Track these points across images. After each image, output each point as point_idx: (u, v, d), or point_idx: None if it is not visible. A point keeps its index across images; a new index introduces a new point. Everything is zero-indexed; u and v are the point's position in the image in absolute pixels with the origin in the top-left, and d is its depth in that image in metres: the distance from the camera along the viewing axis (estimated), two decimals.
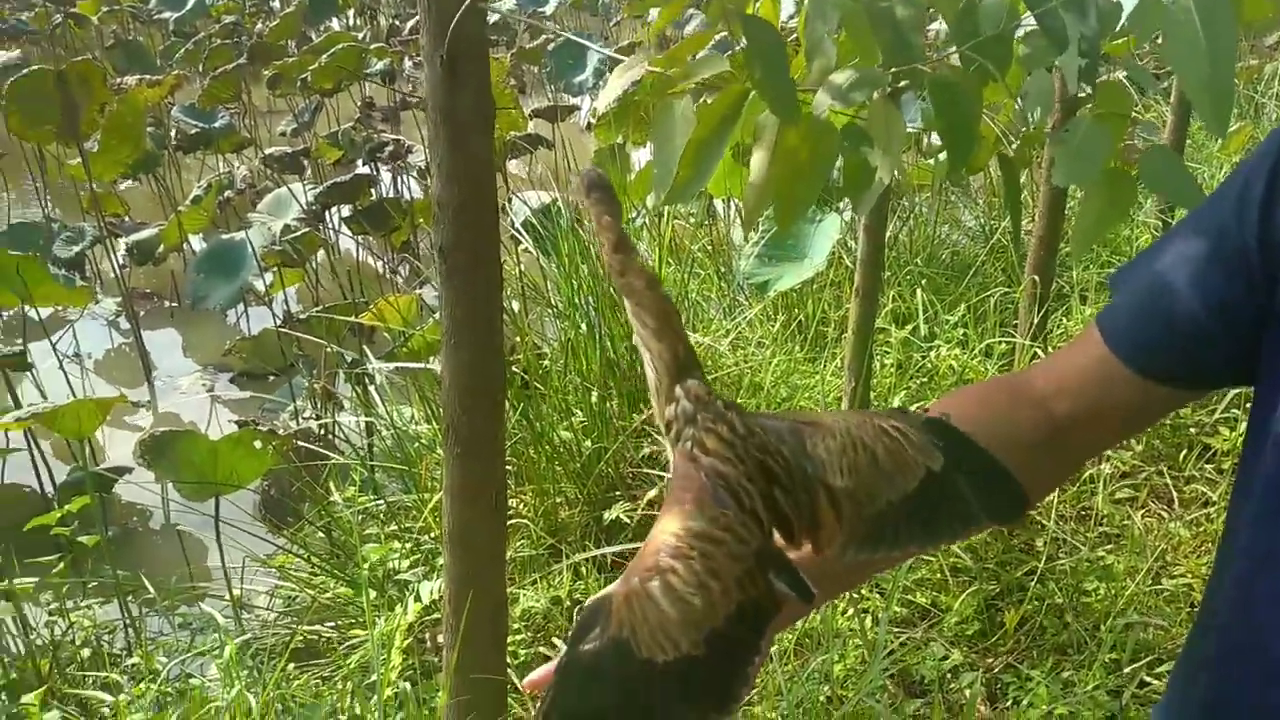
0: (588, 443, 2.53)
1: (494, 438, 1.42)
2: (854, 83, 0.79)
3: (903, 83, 0.83)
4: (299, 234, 3.54)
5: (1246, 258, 0.61)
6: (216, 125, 5.18)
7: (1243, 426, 2.52)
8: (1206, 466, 2.53)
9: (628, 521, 2.29)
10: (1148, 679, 1.90)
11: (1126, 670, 1.92)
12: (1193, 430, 2.61)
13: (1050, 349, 2.75)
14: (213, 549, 2.88)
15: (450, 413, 1.39)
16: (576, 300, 2.68)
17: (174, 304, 4.72)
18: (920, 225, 3.66)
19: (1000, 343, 2.78)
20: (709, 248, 3.26)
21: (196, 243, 4.78)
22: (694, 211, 3.58)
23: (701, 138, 0.88)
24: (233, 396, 4.09)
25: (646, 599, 0.54)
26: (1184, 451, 2.56)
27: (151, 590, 2.22)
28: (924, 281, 3.10)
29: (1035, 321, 2.60)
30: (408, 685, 1.70)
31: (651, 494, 2.36)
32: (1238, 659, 0.62)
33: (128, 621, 2.40)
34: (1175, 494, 2.40)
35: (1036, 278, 2.54)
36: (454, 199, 1.23)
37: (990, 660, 2.03)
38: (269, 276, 4.06)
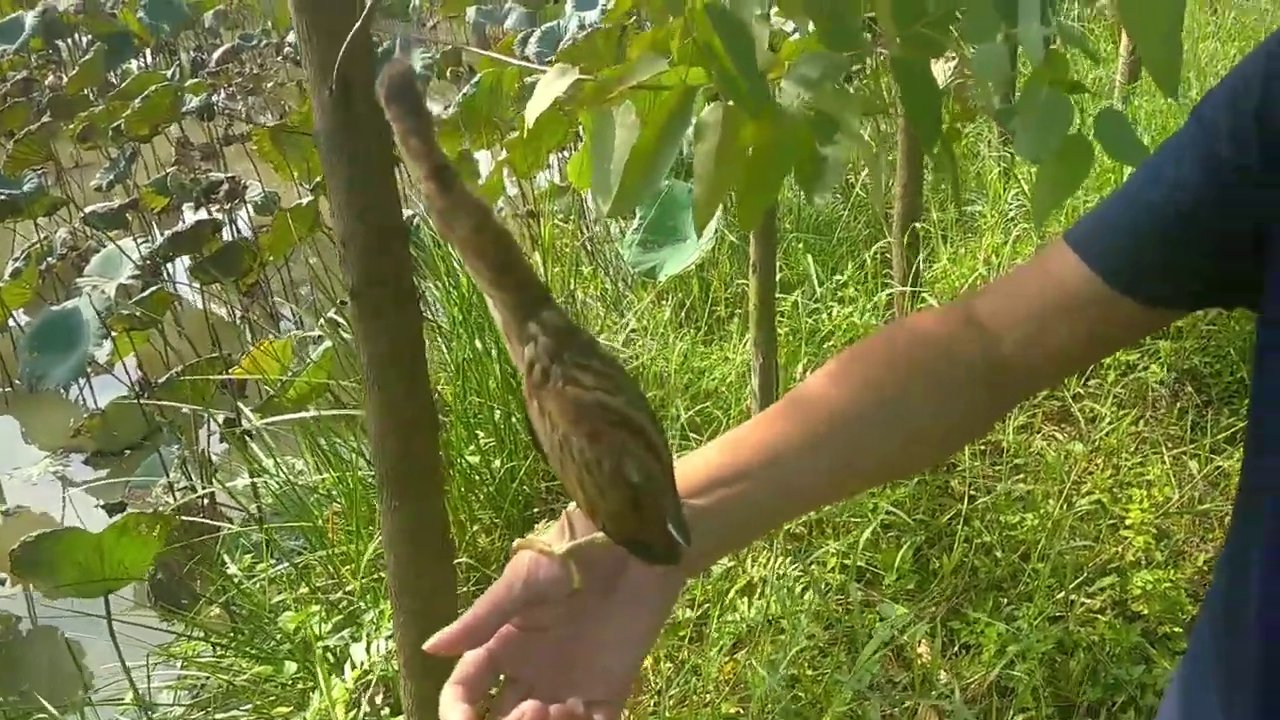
0: (496, 463, 2.44)
1: (432, 480, 1.34)
2: (819, 71, 0.75)
3: (855, 67, 0.80)
4: (148, 293, 3.28)
5: (1238, 158, 0.57)
6: (24, 190, 4.76)
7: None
8: (1090, 383, 2.66)
9: None
10: (1083, 599, 1.98)
11: (1059, 595, 1.99)
12: None
13: (928, 292, 2.83)
14: (92, 648, 2.65)
15: (382, 462, 1.30)
16: (464, 319, 2.58)
17: (8, 389, 4.33)
18: (782, 191, 3.72)
19: (884, 296, 2.85)
20: (588, 245, 3.21)
21: (22, 319, 4.41)
22: (560, 209, 3.52)
23: (649, 140, 0.83)
24: (89, 478, 3.79)
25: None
26: None
27: (50, 707, 2.01)
28: (800, 246, 3.15)
29: (918, 265, 2.67)
30: None
31: (572, 506, 2.30)
32: None
33: None
34: (1080, 415, 2.50)
35: (916, 224, 2.62)
36: (359, 234, 1.14)
37: (933, 609, 2.07)
38: (108, 344, 3.76)
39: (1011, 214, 3.44)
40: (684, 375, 2.63)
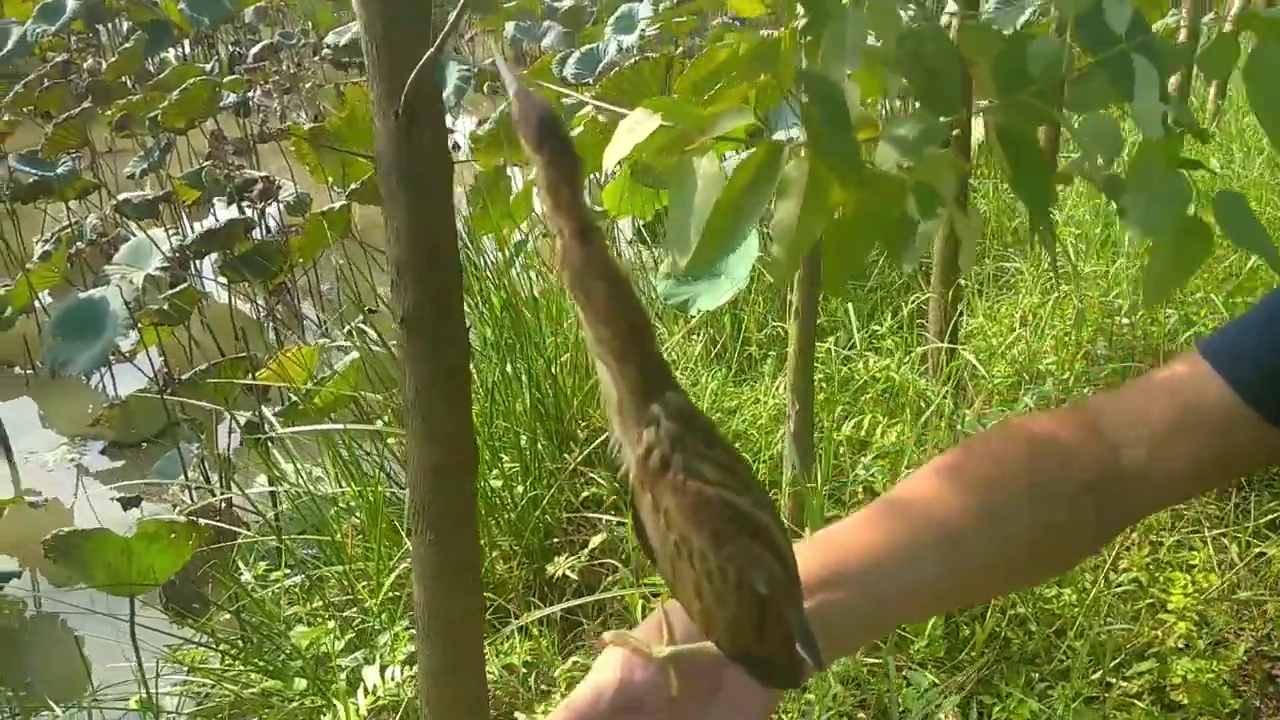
0: (520, 489, 2.40)
1: (467, 516, 1.31)
2: (917, 133, 0.71)
3: (955, 132, 0.76)
4: (179, 290, 3.26)
5: None
6: (58, 172, 4.77)
7: None
8: None
9: (573, 577, 2.17)
10: (1120, 682, 1.91)
11: (1095, 675, 1.92)
12: None
13: (964, 347, 2.77)
14: (94, 643, 2.60)
15: (418, 494, 1.26)
16: (496, 340, 2.55)
17: (29, 371, 4.32)
18: None
19: (922, 349, 2.79)
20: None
21: (47, 301, 4.40)
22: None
23: (732, 197, 0.79)
24: (104, 467, 3.77)
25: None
26: None
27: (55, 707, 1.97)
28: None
29: (954, 319, 2.62)
30: None
31: (596, 540, 2.25)
32: None
33: None
34: None
35: (962, 282, 2.57)
36: (417, 262, 1.11)
37: (961, 679, 2.01)
38: (134, 334, 3.74)
39: (1050, 275, 3.38)
40: (714, 414, 2.58)
